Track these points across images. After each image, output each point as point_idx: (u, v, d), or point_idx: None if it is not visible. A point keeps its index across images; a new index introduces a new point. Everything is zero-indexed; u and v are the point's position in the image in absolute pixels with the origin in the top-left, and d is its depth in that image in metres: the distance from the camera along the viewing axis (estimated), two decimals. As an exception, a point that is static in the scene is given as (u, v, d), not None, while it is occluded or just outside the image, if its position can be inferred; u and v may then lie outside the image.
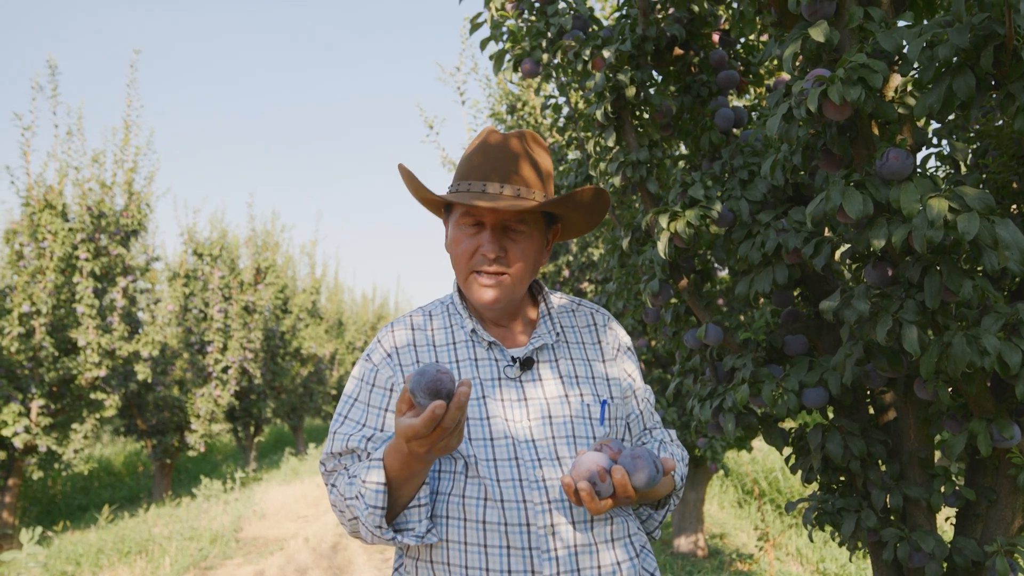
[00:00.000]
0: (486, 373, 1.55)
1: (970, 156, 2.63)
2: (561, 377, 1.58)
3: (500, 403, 1.52)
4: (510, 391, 1.54)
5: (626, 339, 1.74)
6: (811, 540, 2.54)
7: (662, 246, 2.38)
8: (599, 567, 1.45)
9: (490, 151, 1.56)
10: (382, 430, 1.55)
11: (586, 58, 2.62)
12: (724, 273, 4.24)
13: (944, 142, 2.73)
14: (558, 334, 1.64)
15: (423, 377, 1.23)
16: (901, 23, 2.46)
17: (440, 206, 1.67)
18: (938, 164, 2.77)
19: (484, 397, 1.52)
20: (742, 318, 2.87)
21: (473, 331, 1.59)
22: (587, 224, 1.70)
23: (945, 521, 2.50)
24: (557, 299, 1.74)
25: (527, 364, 1.56)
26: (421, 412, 1.24)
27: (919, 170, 2.07)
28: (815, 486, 4.74)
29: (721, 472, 7.79)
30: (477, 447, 1.47)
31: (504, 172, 1.54)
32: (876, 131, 1.98)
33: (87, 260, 8.68)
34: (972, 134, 2.64)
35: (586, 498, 1.36)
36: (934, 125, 3.88)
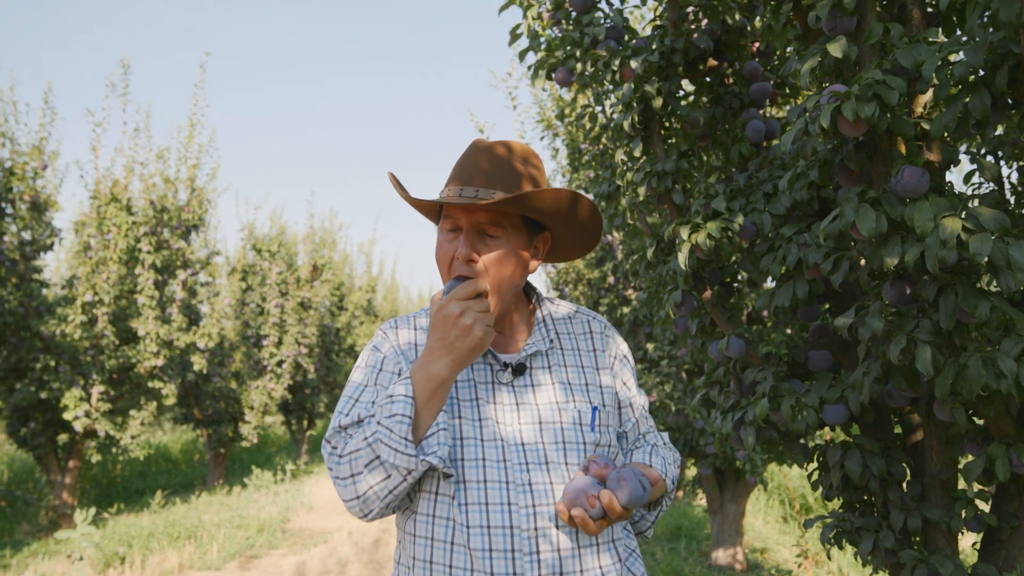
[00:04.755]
0: (480, 376, 1.57)
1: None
2: (554, 383, 1.60)
3: (493, 406, 1.54)
4: (503, 395, 1.56)
5: (623, 348, 1.75)
6: (856, 559, 2.49)
7: (683, 257, 2.38)
8: (582, 571, 1.47)
9: (469, 158, 1.59)
10: None
11: (615, 68, 2.64)
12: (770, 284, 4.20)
13: (989, 159, 2.68)
14: (552, 341, 1.66)
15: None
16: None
17: (437, 217, 1.71)
18: (980, 181, 2.72)
19: (477, 399, 1.54)
20: (760, 330, 2.85)
21: None
22: (572, 233, 1.67)
23: (971, 546, 2.45)
24: (555, 306, 1.75)
25: (519, 370, 1.58)
26: None
27: (955, 188, 2.04)
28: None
29: (766, 486, 7.67)
30: (468, 445, 1.50)
31: (476, 176, 1.55)
32: (903, 148, 1.96)
33: (149, 253, 8.96)
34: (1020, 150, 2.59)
35: (580, 524, 1.42)
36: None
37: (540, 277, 9.80)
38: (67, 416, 7.99)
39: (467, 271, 1.54)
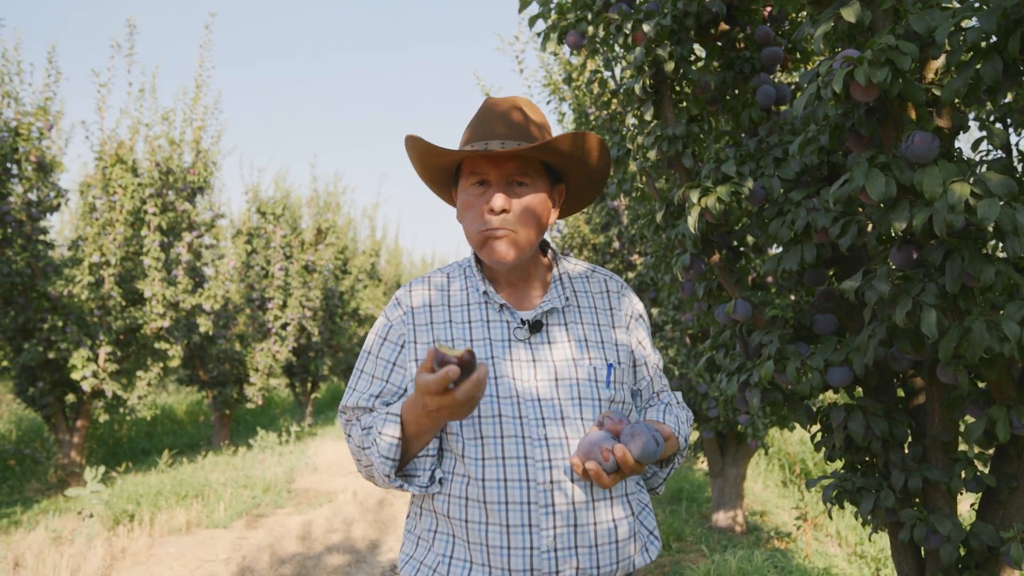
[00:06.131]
0: (497, 334, 1.62)
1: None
2: (570, 340, 1.64)
3: (509, 363, 1.58)
4: (520, 352, 1.60)
5: (639, 307, 1.79)
6: (856, 519, 2.55)
7: (692, 221, 2.41)
8: (595, 523, 1.52)
9: (487, 115, 1.63)
10: (387, 381, 1.64)
11: (627, 32, 2.64)
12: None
13: (998, 126, 2.68)
14: (568, 299, 1.70)
15: (452, 349, 1.36)
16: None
17: (448, 184, 1.75)
18: (988, 148, 2.73)
19: (494, 357, 1.59)
20: (766, 294, 2.89)
21: (485, 293, 1.66)
22: (589, 181, 1.74)
23: (970, 507, 2.50)
24: (572, 265, 1.79)
25: (536, 327, 1.62)
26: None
27: (964, 154, 2.06)
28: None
29: (767, 450, 7.76)
30: (484, 403, 1.54)
31: (501, 131, 1.60)
32: (913, 113, 1.98)
33: (155, 214, 8.98)
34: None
35: (594, 476, 1.46)
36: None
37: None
38: (75, 376, 8.07)
39: (499, 221, 1.58)
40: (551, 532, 1.48)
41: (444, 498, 1.56)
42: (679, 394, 1.82)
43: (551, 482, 1.50)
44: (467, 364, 1.34)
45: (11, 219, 7.94)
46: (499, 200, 1.57)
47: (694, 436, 9.18)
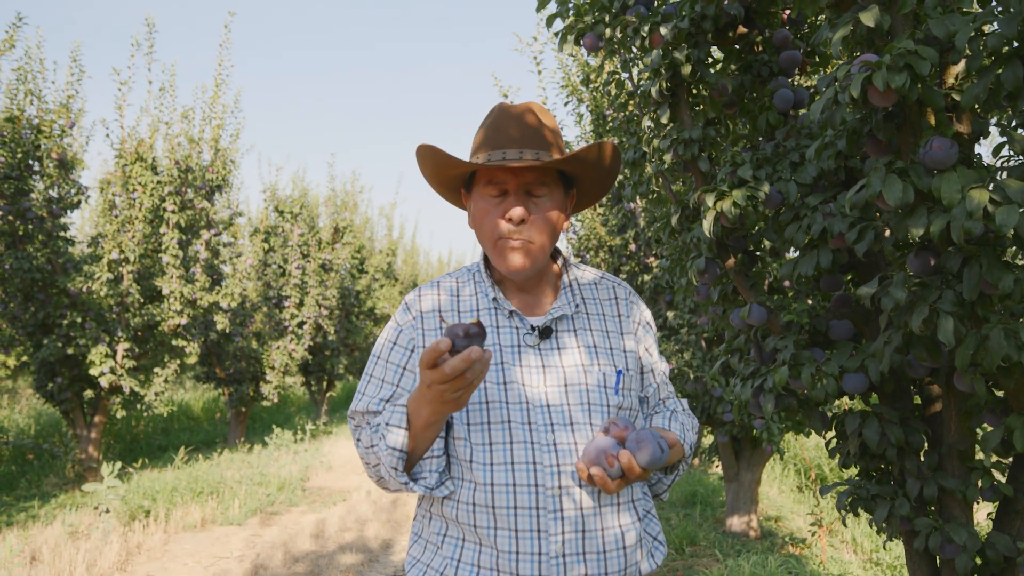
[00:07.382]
0: (507, 340, 1.62)
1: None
2: (579, 346, 1.64)
3: (519, 369, 1.58)
4: (529, 358, 1.60)
5: (647, 314, 1.80)
6: (871, 527, 2.52)
7: (707, 224, 2.40)
8: (603, 529, 1.52)
9: (503, 122, 1.63)
10: (397, 385, 1.64)
11: (644, 34, 2.63)
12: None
13: (1020, 131, 2.66)
14: (577, 305, 1.70)
15: (461, 325, 1.34)
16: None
17: (458, 189, 1.74)
18: (1009, 154, 2.70)
19: (504, 363, 1.59)
20: (781, 299, 2.87)
21: (495, 299, 1.66)
22: (600, 185, 1.74)
23: (987, 516, 2.47)
24: (582, 272, 1.79)
25: (546, 333, 1.63)
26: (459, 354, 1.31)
27: (984, 160, 2.04)
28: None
29: (782, 455, 7.71)
30: (494, 409, 1.55)
31: (520, 138, 1.60)
32: (932, 119, 1.96)
33: (173, 212, 9.04)
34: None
35: (599, 482, 1.47)
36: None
37: (562, 243, 9.81)
38: (93, 372, 8.14)
39: (518, 231, 1.59)
40: (559, 537, 1.48)
41: (452, 504, 1.56)
42: (685, 401, 1.82)
43: (559, 487, 1.50)
44: (469, 334, 1.32)
45: (32, 215, 8.02)
46: (518, 211, 1.57)
47: (709, 440, 9.14)
